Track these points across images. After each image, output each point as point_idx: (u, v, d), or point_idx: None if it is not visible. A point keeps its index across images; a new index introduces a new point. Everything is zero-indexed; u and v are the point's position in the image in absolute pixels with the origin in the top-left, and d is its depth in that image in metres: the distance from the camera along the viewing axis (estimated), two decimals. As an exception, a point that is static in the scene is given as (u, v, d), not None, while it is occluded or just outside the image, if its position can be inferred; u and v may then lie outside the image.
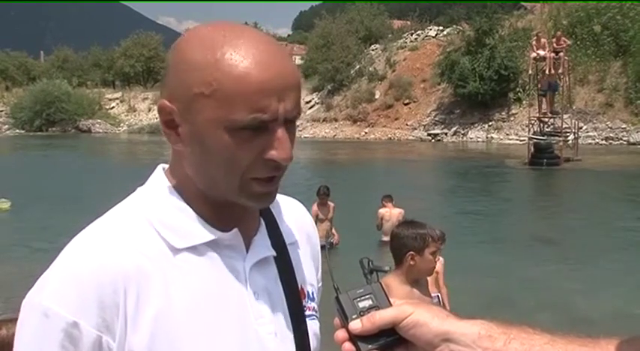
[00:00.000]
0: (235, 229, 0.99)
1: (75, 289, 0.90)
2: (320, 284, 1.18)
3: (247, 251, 1.01)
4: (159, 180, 1.02)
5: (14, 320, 0.99)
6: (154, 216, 0.97)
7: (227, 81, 0.89)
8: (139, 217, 0.97)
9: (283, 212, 1.11)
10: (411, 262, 3.28)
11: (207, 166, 0.94)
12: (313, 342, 1.06)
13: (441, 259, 5.92)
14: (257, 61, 0.89)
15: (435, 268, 3.47)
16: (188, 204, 0.99)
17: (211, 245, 0.98)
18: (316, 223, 7.67)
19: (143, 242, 0.95)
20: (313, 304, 1.09)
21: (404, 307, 0.86)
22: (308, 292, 1.09)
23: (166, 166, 1.04)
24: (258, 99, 0.89)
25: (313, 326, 1.07)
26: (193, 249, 0.97)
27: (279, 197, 1.11)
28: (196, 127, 0.92)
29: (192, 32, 0.97)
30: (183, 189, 1.00)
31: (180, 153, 0.97)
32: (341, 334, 0.87)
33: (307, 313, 1.06)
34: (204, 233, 0.98)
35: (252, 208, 1.01)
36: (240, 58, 0.89)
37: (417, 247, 3.26)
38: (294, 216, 1.14)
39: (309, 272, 1.12)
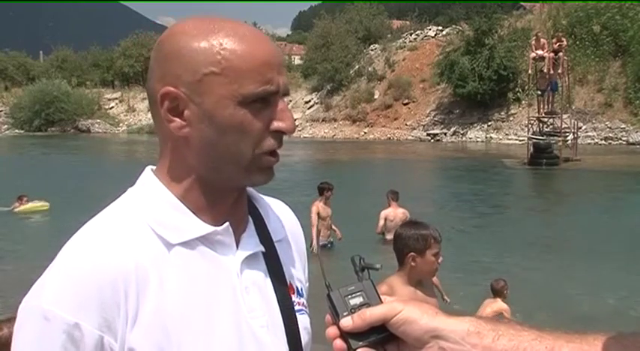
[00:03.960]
0: (227, 223, 1.02)
1: (75, 290, 0.91)
2: (307, 284, 1.20)
3: (237, 248, 1.04)
4: (149, 179, 1.04)
5: (14, 319, 0.98)
6: (147, 213, 1.00)
7: (235, 58, 0.96)
8: (133, 215, 0.99)
9: (270, 211, 1.15)
10: (412, 264, 3.26)
11: (218, 144, 0.98)
12: (304, 336, 1.08)
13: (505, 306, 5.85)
14: (254, 41, 0.98)
15: (437, 269, 3.43)
16: (180, 200, 1.01)
17: (203, 241, 1.01)
18: (318, 222, 7.57)
19: (139, 240, 0.97)
20: (302, 300, 1.12)
21: (394, 304, 0.87)
22: (297, 288, 1.12)
23: (154, 167, 1.06)
24: (264, 71, 0.97)
25: (303, 321, 1.09)
26: (186, 244, 0.99)
27: (266, 198, 1.16)
28: (207, 106, 0.97)
29: (180, 25, 1.01)
30: (176, 184, 1.02)
31: (182, 141, 0.99)
32: (332, 330, 0.88)
33: (297, 307, 1.09)
34: (197, 228, 1.00)
35: (255, 185, 1.05)
36: (240, 39, 0.97)
37: (419, 249, 3.24)
38: (281, 215, 1.17)
39: (297, 269, 1.16)
